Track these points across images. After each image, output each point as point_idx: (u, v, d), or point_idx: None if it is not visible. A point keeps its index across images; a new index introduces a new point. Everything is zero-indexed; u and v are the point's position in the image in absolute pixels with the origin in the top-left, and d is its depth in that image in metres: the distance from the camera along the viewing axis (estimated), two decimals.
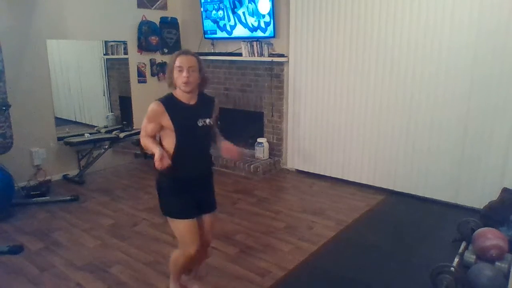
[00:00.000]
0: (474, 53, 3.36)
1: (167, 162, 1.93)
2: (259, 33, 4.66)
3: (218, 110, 2.23)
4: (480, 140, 3.46)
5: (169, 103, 2.03)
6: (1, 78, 3.37)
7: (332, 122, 4.36)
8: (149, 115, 2.03)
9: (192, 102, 2.07)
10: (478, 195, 3.49)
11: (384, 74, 3.89)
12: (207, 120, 2.08)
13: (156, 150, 1.95)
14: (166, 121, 1.99)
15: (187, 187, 2.09)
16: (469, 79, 3.42)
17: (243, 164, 4.72)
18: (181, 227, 2.11)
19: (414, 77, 3.71)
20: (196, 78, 2.02)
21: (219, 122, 2.32)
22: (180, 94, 2.05)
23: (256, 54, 4.70)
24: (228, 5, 4.83)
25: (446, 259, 2.55)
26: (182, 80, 1.98)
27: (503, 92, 3.28)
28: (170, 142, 2.04)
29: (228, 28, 4.94)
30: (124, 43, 5.00)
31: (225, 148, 2.18)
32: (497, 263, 2.51)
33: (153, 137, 2.06)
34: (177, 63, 1.99)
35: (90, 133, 4.64)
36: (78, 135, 4.54)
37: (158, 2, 5.27)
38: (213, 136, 2.23)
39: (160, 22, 5.27)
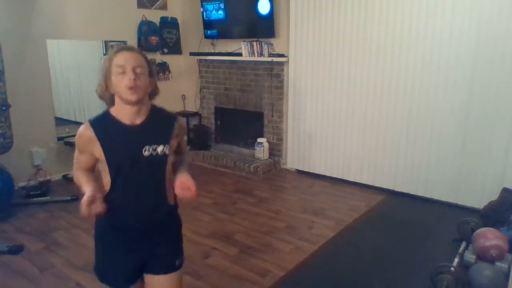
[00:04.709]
0: (474, 54, 3.36)
1: (98, 208, 1.35)
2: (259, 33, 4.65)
3: (183, 134, 1.67)
4: (480, 140, 3.46)
5: (102, 125, 1.45)
6: (1, 78, 3.37)
7: (332, 122, 4.36)
8: (77, 143, 1.47)
9: (138, 121, 1.45)
10: (478, 195, 3.50)
11: (384, 74, 3.89)
12: (160, 148, 1.45)
13: (87, 189, 1.38)
14: (98, 150, 1.42)
15: (125, 239, 1.51)
16: (469, 79, 3.42)
17: (243, 164, 4.72)
18: None
19: (414, 77, 3.71)
20: (145, 83, 1.41)
21: (189, 146, 1.65)
22: (119, 110, 1.44)
23: (256, 54, 4.70)
24: None
25: (446, 259, 2.55)
26: (126, 84, 1.36)
27: (503, 92, 3.29)
28: (106, 177, 1.46)
29: None
30: (124, 43, 5.00)
31: (180, 182, 1.48)
32: (497, 263, 2.52)
33: (91, 169, 1.50)
34: (117, 61, 1.37)
35: None
36: None
37: (158, 2, 5.27)
38: (177, 166, 1.57)
39: (160, 22, 5.27)
